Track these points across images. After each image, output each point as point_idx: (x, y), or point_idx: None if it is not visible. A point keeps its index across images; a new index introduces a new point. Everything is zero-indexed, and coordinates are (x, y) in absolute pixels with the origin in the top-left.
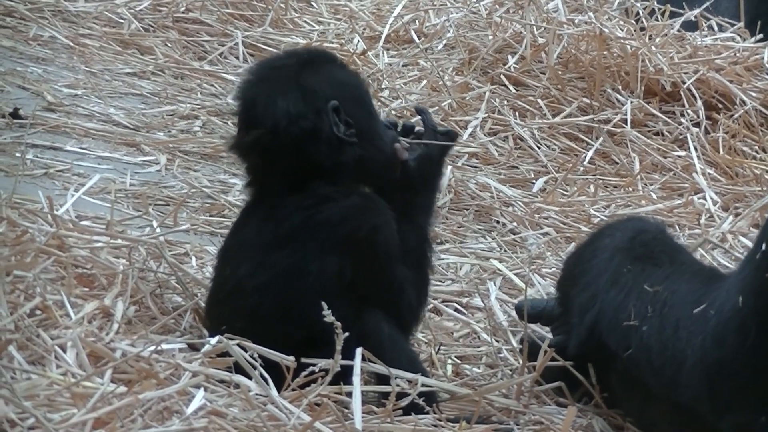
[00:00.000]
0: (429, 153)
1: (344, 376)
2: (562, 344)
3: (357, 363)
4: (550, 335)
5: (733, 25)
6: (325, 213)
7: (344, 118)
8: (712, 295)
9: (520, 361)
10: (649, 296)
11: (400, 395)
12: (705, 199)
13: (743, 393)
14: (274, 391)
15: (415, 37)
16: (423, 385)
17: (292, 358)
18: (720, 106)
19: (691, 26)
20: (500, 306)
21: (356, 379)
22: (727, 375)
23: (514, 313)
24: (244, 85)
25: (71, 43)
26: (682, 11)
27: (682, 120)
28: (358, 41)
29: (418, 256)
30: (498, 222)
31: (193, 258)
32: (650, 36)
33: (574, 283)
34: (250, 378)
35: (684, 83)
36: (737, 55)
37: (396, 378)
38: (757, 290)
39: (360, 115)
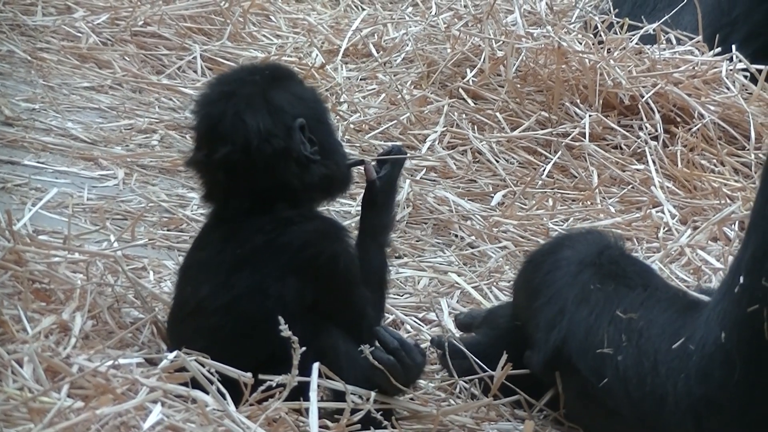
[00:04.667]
0: (392, 172)
1: (302, 392)
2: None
3: (313, 378)
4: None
5: (691, 38)
6: (287, 236)
7: (308, 135)
8: (689, 329)
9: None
10: (623, 323)
11: (356, 411)
12: (663, 212)
13: (731, 426)
14: (231, 406)
15: (373, 50)
16: (378, 401)
17: (249, 374)
18: (678, 119)
19: (650, 40)
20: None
21: (313, 394)
22: (715, 410)
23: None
24: (205, 100)
25: (29, 57)
26: (641, 24)
27: (641, 133)
28: (317, 55)
29: (380, 276)
30: (456, 236)
31: (151, 272)
32: (609, 50)
33: (535, 294)
34: (207, 393)
35: (642, 97)
36: (695, 68)
37: (351, 393)
38: (739, 324)
39: (322, 133)
